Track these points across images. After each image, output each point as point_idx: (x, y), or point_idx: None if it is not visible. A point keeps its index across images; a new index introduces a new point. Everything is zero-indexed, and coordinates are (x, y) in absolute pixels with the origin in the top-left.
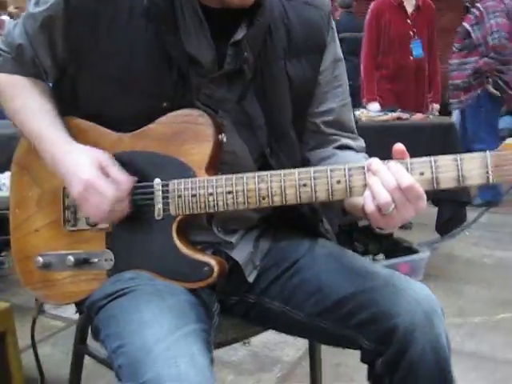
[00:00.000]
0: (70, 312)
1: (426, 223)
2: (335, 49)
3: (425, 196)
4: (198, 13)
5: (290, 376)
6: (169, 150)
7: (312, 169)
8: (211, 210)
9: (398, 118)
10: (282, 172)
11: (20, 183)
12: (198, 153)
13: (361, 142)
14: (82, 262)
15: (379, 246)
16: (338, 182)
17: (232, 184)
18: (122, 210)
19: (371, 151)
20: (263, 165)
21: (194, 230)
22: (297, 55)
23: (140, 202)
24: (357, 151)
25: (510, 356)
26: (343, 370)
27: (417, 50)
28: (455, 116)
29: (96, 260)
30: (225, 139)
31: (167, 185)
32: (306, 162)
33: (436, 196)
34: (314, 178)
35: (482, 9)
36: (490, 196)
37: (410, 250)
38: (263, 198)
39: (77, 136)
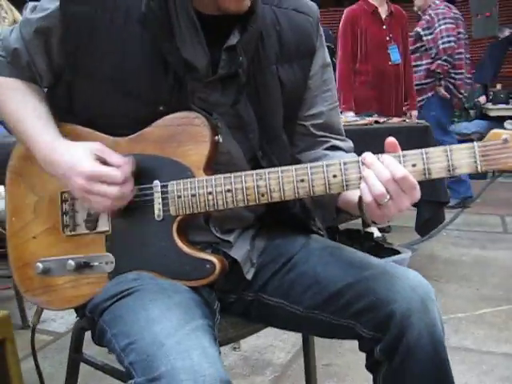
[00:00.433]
0: (57, 326)
1: (404, 225)
2: (324, 54)
3: (418, 186)
4: (193, 20)
5: (283, 378)
6: (166, 151)
7: (308, 165)
8: (211, 209)
9: (376, 122)
10: (280, 169)
11: (16, 191)
12: (196, 153)
13: (349, 143)
14: (83, 266)
15: (361, 248)
16: (335, 176)
17: (231, 182)
18: (129, 191)
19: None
20: (255, 167)
21: (193, 231)
22: (288, 60)
23: (140, 204)
24: (346, 151)
25: (493, 348)
26: (333, 370)
27: (394, 55)
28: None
29: (97, 263)
30: (221, 140)
31: (166, 186)
32: (296, 164)
33: None
34: (311, 174)
35: (433, 15)
36: (463, 193)
37: (391, 251)
38: (262, 195)
39: (74, 141)
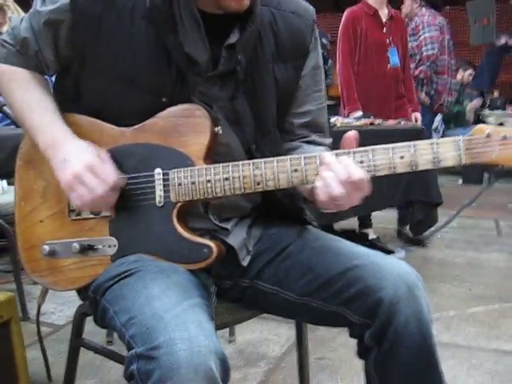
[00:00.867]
0: (56, 318)
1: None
2: (317, 56)
3: (369, 185)
4: (195, 17)
5: (276, 370)
6: (168, 141)
7: (302, 155)
8: (209, 196)
9: (371, 124)
10: (276, 159)
11: (25, 177)
12: (196, 143)
13: (327, 140)
14: (87, 249)
15: None
16: None
17: (229, 171)
18: (111, 200)
19: None
20: (250, 159)
21: (192, 218)
22: (283, 60)
23: (142, 191)
24: (319, 145)
25: (482, 344)
26: (326, 363)
27: (394, 58)
28: None
29: (100, 246)
30: (220, 131)
31: (167, 174)
32: None
33: (409, 198)
34: (305, 164)
35: (419, 22)
36: None
37: (385, 251)
38: (258, 184)
39: (80, 131)
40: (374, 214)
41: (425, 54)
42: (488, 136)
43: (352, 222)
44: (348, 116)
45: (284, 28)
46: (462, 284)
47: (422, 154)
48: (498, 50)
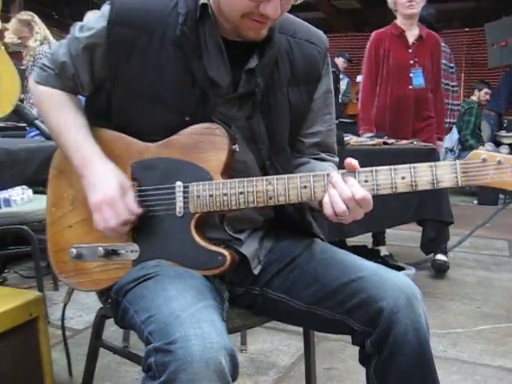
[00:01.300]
0: (74, 323)
1: (411, 245)
2: (328, 81)
3: (372, 201)
4: (219, 44)
5: (285, 378)
6: (189, 157)
7: (311, 173)
8: (225, 209)
9: (384, 143)
10: (286, 176)
11: (57, 185)
12: (215, 159)
13: (335, 159)
14: (111, 253)
15: None
16: None
17: (244, 186)
18: (122, 231)
19: None
20: (264, 175)
21: (209, 229)
22: (297, 84)
23: (163, 201)
24: (326, 161)
25: (487, 361)
26: (334, 373)
27: (417, 79)
28: None
29: (123, 251)
30: (237, 149)
31: (187, 186)
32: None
33: (420, 216)
34: (313, 181)
35: None
36: None
37: (396, 268)
38: (270, 198)
39: (108, 145)
40: (388, 231)
41: None
42: (484, 161)
43: (364, 239)
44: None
45: (299, 55)
46: (471, 302)
47: (421, 175)
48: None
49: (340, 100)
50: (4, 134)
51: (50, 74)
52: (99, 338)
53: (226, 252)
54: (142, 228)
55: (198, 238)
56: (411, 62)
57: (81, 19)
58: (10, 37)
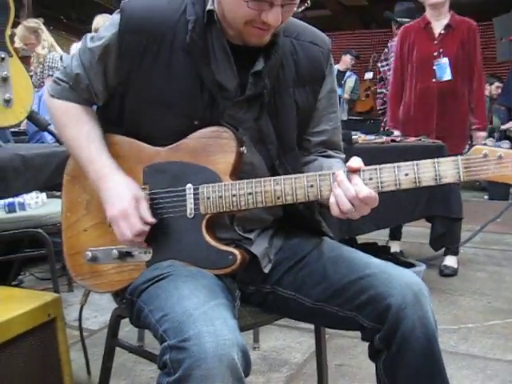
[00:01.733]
0: (90, 323)
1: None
2: (332, 81)
3: (377, 198)
4: (226, 49)
5: (298, 375)
6: (199, 160)
7: (317, 173)
8: (235, 209)
9: (392, 141)
10: (293, 176)
11: (71, 190)
12: (223, 162)
13: (341, 155)
14: (125, 255)
15: None
16: None
17: (252, 186)
18: (142, 241)
19: None
20: (273, 174)
21: (219, 229)
22: (303, 85)
23: (175, 203)
24: (334, 157)
25: (498, 356)
26: (346, 370)
27: (440, 71)
28: None
29: (136, 253)
30: (245, 151)
31: (197, 188)
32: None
33: (430, 212)
34: (320, 180)
35: (389, 47)
36: None
37: (406, 264)
38: (278, 198)
39: (120, 150)
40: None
41: (386, 77)
42: (485, 156)
43: (377, 237)
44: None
45: (303, 56)
46: (481, 297)
47: (424, 171)
48: None
49: (348, 97)
50: (17, 139)
51: (65, 87)
52: (115, 337)
53: (236, 251)
54: (154, 230)
55: (208, 238)
56: (435, 54)
57: (88, 22)
58: (18, 42)
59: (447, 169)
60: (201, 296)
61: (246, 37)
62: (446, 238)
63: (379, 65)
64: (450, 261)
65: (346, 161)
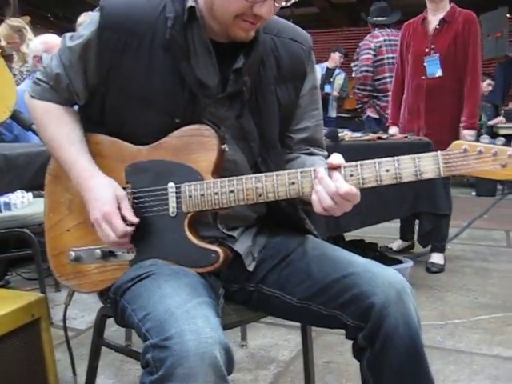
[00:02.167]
0: (77, 323)
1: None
2: (314, 78)
3: (359, 194)
4: (207, 46)
5: (285, 373)
6: (180, 158)
7: (298, 170)
8: (217, 207)
9: (379, 138)
10: (275, 173)
11: (53, 190)
12: (205, 160)
13: (323, 152)
14: (108, 255)
15: (365, 257)
16: None
17: (233, 184)
18: (126, 241)
19: None
20: (256, 172)
21: (202, 227)
22: (284, 81)
23: (157, 202)
24: (316, 155)
25: (484, 350)
26: (333, 367)
27: (431, 68)
28: None
29: (120, 252)
30: (227, 149)
31: (179, 187)
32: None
33: (416, 209)
34: (301, 177)
35: (360, 46)
36: None
37: (393, 261)
38: (260, 195)
39: (102, 149)
40: (386, 224)
41: (357, 76)
42: (465, 151)
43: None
44: (387, 130)
45: (284, 53)
46: (468, 293)
47: (405, 167)
48: (508, 63)
49: (338, 94)
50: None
51: (45, 87)
52: (101, 336)
53: (218, 249)
54: (137, 229)
55: (191, 237)
56: (426, 50)
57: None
58: (2, 41)
59: (427, 164)
60: (183, 294)
61: (233, 31)
62: (433, 235)
63: (352, 64)
64: (436, 258)
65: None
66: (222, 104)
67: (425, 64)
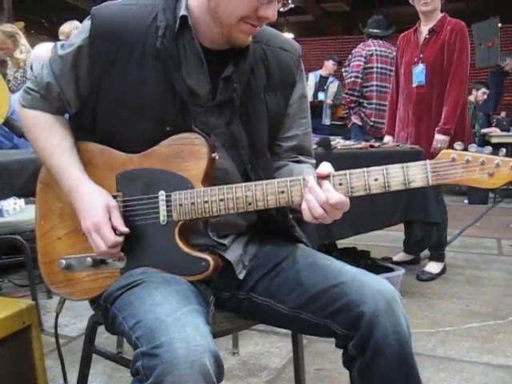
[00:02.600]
0: (69, 330)
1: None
2: (303, 87)
3: (348, 202)
4: (199, 54)
5: (277, 380)
6: (171, 166)
7: (288, 179)
8: (207, 215)
9: (371, 146)
10: (264, 182)
11: (44, 198)
12: (195, 169)
13: (312, 160)
14: (99, 263)
15: (357, 265)
16: None
17: (223, 193)
18: (117, 251)
19: None
20: (247, 180)
21: (193, 235)
22: (273, 90)
23: (148, 210)
24: (304, 163)
25: (475, 358)
26: (324, 374)
27: (416, 76)
28: None
29: (110, 260)
30: (217, 157)
31: (170, 195)
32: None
33: (408, 217)
34: (290, 186)
35: (352, 53)
36: None
37: (385, 269)
38: (249, 204)
39: (93, 158)
40: (378, 232)
41: (346, 81)
42: (453, 160)
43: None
44: (383, 138)
45: (274, 62)
46: (459, 301)
47: (394, 176)
48: (498, 73)
49: (331, 102)
50: None
51: (35, 96)
52: (92, 344)
53: (209, 257)
54: (128, 237)
55: (181, 245)
56: (415, 59)
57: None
58: None
59: (416, 173)
60: (173, 302)
61: (235, 35)
62: (425, 242)
63: (343, 70)
64: (432, 267)
65: (317, 166)
66: (212, 112)
67: (413, 73)
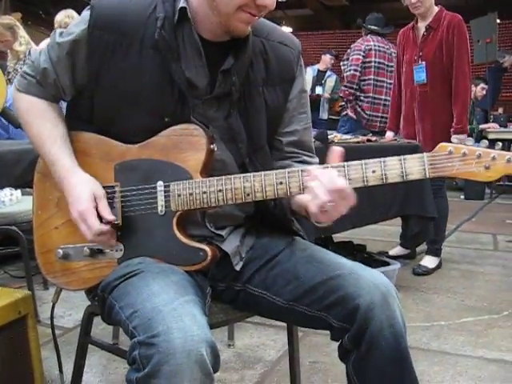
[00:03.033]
0: (65, 321)
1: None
2: (302, 81)
3: (354, 194)
4: (198, 46)
5: (272, 372)
6: (169, 157)
7: (286, 170)
8: (205, 206)
9: (368, 140)
10: (263, 173)
11: (42, 188)
12: (194, 159)
13: (316, 159)
14: (96, 253)
15: (353, 259)
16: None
17: (222, 184)
18: (107, 239)
19: None
20: (244, 172)
21: (191, 226)
22: (272, 84)
23: (146, 201)
24: (308, 164)
25: (469, 352)
26: (319, 367)
27: (418, 75)
28: None
29: (108, 250)
30: (216, 148)
31: (168, 186)
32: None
33: (405, 212)
34: (288, 177)
35: (351, 48)
36: None
37: (381, 263)
38: (248, 195)
39: (90, 148)
40: (374, 226)
41: (345, 74)
42: (450, 153)
43: (349, 234)
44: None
45: (273, 56)
46: (455, 295)
47: (391, 168)
48: (496, 69)
49: (329, 96)
50: None
51: (31, 81)
52: (88, 334)
53: (207, 248)
54: (126, 227)
55: (179, 235)
56: (415, 57)
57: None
58: None
59: (413, 166)
60: (170, 292)
61: (233, 24)
62: (421, 237)
63: (341, 63)
64: (428, 261)
65: (322, 162)
66: (211, 105)
67: (414, 71)
